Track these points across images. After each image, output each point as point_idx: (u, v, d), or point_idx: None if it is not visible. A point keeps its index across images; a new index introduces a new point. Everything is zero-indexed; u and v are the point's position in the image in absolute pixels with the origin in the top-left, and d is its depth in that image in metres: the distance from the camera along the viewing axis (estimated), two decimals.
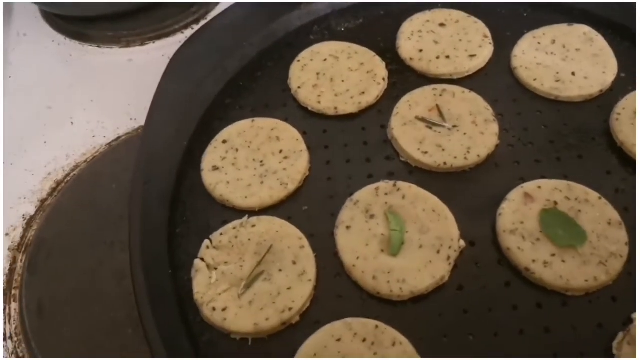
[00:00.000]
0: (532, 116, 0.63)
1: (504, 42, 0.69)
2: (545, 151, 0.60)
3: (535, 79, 0.64)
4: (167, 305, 0.50)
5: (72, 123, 0.72)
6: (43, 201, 0.65)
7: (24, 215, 0.64)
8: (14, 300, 0.58)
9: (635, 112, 0.59)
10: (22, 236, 0.63)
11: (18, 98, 0.76)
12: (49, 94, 0.75)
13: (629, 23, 0.67)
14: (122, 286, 0.59)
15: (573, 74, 0.64)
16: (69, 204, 0.66)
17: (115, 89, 0.76)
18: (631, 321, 0.47)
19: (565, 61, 0.65)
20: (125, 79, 0.77)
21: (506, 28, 0.70)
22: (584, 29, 0.68)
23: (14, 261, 0.61)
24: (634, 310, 0.48)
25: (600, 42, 0.67)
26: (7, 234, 0.63)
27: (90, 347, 0.55)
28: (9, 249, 0.62)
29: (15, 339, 0.56)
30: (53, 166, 0.68)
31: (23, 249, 0.62)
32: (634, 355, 0.45)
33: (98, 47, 0.81)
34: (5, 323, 0.57)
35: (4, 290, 0.59)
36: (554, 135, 0.61)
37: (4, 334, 0.56)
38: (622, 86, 0.63)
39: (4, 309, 0.58)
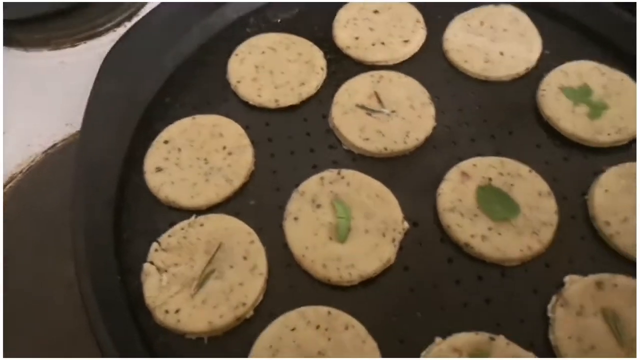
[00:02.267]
0: (465, 97, 0.65)
1: (436, 26, 0.71)
2: (479, 130, 0.62)
3: (466, 61, 0.67)
4: (118, 311, 0.50)
5: (3, 133, 0.69)
6: None
7: None
8: None
9: (560, 88, 0.63)
10: None
11: None
12: None
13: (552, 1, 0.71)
14: (72, 294, 0.58)
15: (501, 53, 0.67)
16: (9, 216, 0.63)
17: (48, 94, 0.73)
18: (563, 284, 0.51)
19: (494, 42, 0.68)
20: (58, 83, 0.74)
21: (437, 12, 0.72)
22: (509, 9, 0.71)
23: None
24: (566, 273, 0.52)
25: (525, 21, 0.70)
26: None
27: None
28: None
29: None
30: None
31: None
32: (567, 315, 0.49)
33: (25, 50, 0.78)
34: None
35: None
36: (487, 114, 0.64)
37: None
38: (546, 63, 0.66)
39: None
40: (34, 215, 0.64)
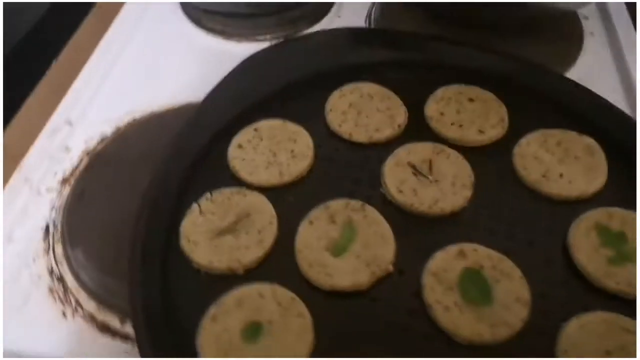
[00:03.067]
0: (507, 197, 0.71)
1: (517, 130, 0.77)
2: (503, 228, 0.68)
3: (525, 168, 0.72)
4: (162, 222, 0.66)
5: None
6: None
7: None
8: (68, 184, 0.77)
9: (596, 224, 0.65)
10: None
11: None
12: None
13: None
14: None
15: (561, 175, 0.71)
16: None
17: None
18: None
19: (560, 163, 0.73)
20: None
21: (526, 120, 0.78)
22: (589, 141, 0.74)
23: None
24: None
25: (599, 156, 0.73)
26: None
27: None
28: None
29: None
30: None
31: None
32: None
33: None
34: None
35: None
36: (518, 220, 0.68)
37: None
38: (600, 199, 0.69)
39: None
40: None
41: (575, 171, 0.72)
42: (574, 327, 0.58)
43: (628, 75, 0.94)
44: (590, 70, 0.94)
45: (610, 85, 0.93)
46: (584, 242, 0.64)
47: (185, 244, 0.65)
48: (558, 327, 0.59)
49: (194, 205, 0.69)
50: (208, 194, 0.70)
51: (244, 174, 0.73)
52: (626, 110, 0.86)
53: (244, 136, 0.77)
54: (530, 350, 0.57)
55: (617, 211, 0.67)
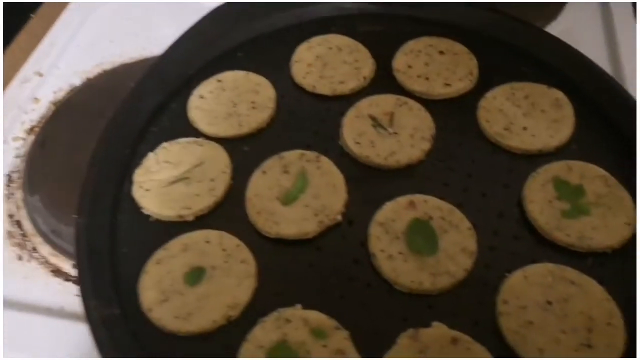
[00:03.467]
0: (468, 150, 0.69)
1: (487, 83, 0.75)
2: (458, 180, 0.66)
3: (487, 121, 0.70)
4: (114, 170, 0.67)
5: None
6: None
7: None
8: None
9: (554, 177, 0.64)
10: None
11: None
12: None
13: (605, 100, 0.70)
14: None
15: (524, 128, 0.69)
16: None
17: None
18: (428, 327, 0.54)
19: (525, 116, 0.70)
20: None
21: (498, 72, 0.76)
22: (559, 94, 0.72)
23: None
24: (440, 321, 0.55)
25: (567, 111, 0.70)
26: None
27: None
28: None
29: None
30: None
31: None
32: (410, 347, 0.53)
33: None
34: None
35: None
36: (476, 172, 0.67)
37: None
38: (563, 154, 0.67)
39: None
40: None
41: (540, 125, 0.69)
42: (517, 278, 0.57)
43: (613, 34, 0.90)
44: (573, 26, 0.90)
45: (593, 42, 0.90)
46: (538, 195, 0.63)
47: (136, 191, 0.66)
48: (502, 278, 0.58)
49: (150, 154, 0.69)
50: (165, 144, 0.70)
51: (202, 124, 0.72)
52: (608, 69, 0.83)
53: (206, 87, 0.76)
54: (469, 299, 0.57)
55: (578, 164, 0.65)
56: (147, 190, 0.65)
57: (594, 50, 0.83)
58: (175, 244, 0.61)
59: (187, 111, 0.74)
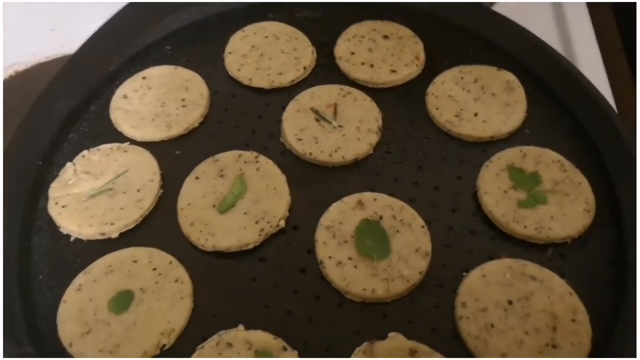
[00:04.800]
0: (418, 141, 0.65)
1: (434, 69, 0.71)
2: (408, 174, 0.62)
3: (437, 108, 0.66)
4: (27, 182, 0.59)
5: None
6: None
7: None
8: None
9: (508, 166, 0.60)
10: None
11: None
12: None
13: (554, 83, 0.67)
14: None
15: (475, 114, 0.65)
16: None
17: None
18: (385, 337, 0.50)
19: (476, 101, 0.66)
20: None
21: (446, 57, 0.72)
22: (509, 76, 0.68)
23: None
24: (396, 331, 0.51)
25: (519, 94, 0.67)
26: None
27: None
28: None
29: None
30: None
31: None
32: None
33: None
34: None
35: None
36: (427, 164, 0.63)
37: None
38: (516, 139, 0.64)
39: None
40: None
41: (491, 109, 0.65)
42: (475, 277, 0.53)
43: (563, 13, 0.87)
44: (521, 5, 0.86)
45: (542, 22, 0.86)
46: (493, 185, 0.59)
47: (52, 208, 0.58)
48: (459, 279, 0.54)
49: (67, 165, 0.61)
50: (84, 152, 0.62)
51: (126, 127, 0.65)
52: (559, 48, 0.80)
53: (130, 85, 0.69)
54: (426, 304, 0.53)
55: (532, 150, 0.61)
56: (64, 206, 0.58)
57: (544, 30, 0.80)
58: (98, 266, 0.54)
59: (109, 114, 0.66)
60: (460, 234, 0.57)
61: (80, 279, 0.53)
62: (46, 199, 0.59)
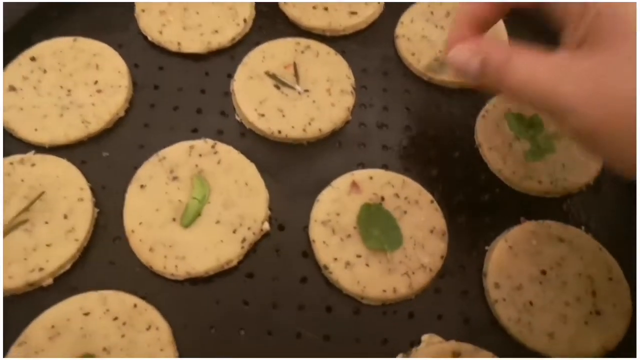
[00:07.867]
0: (398, 95, 0.55)
1: (398, 5, 0.60)
2: (398, 137, 0.53)
3: (413, 54, 0.56)
4: None
5: None
6: None
7: None
8: None
9: (506, 113, 0.53)
10: None
11: None
12: None
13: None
14: None
15: None
16: None
17: None
18: (419, 342, 0.43)
19: None
20: None
21: None
22: None
23: None
24: (428, 331, 0.43)
25: (498, 26, 0.59)
26: None
27: None
28: None
29: None
30: None
31: None
32: None
33: None
34: None
35: None
36: (414, 122, 0.54)
37: None
38: None
39: None
40: None
41: None
42: (501, 251, 0.46)
43: None
44: None
45: None
46: (496, 139, 0.51)
47: None
48: (482, 255, 0.47)
49: None
50: None
51: (25, 131, 0.48)
52: None
53: (16, 71, 0.51)
54: (453, 293, 0.45)
55: None
56: None
57: None
58: (35, 332, 0.40)
59: None
60: (471, 203, 0.50)
61: (14, 352, 0.39)
62: None
